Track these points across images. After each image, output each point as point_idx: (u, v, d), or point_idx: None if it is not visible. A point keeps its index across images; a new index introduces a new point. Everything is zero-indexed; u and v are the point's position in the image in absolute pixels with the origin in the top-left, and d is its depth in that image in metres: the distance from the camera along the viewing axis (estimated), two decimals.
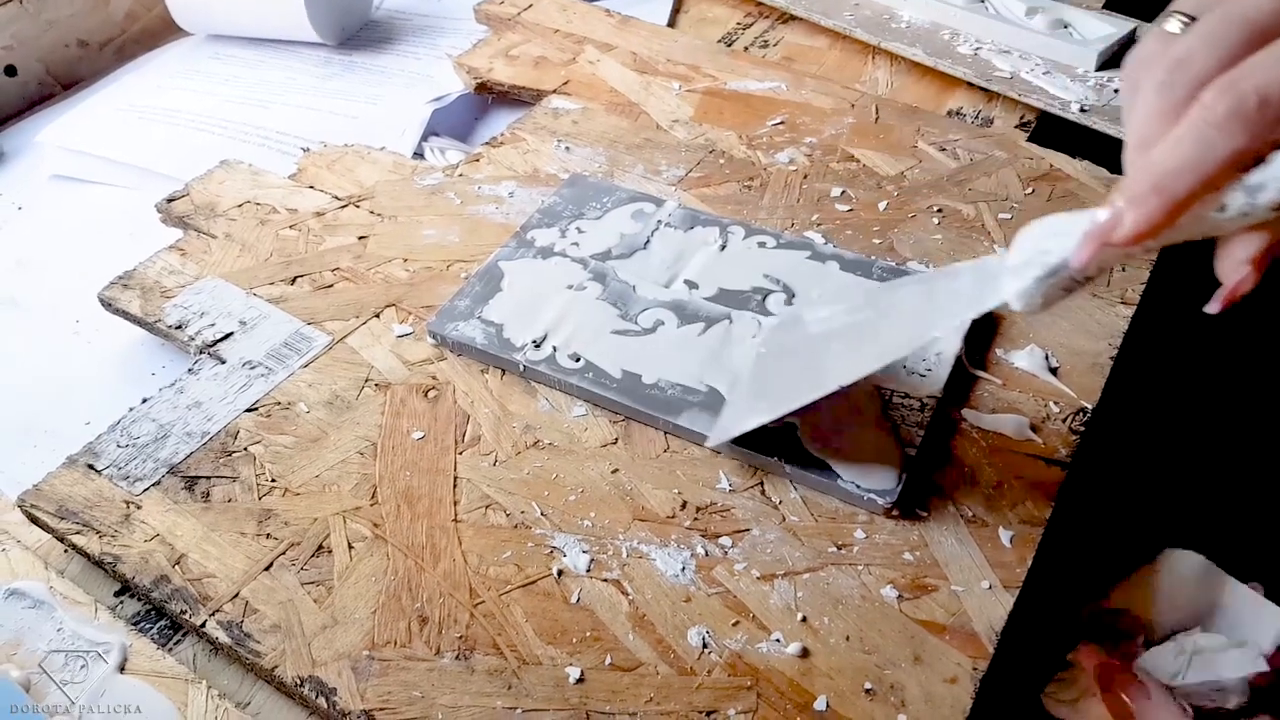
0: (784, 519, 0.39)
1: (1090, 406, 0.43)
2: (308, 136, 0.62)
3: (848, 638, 0.35)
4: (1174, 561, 0.39)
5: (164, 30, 0.76)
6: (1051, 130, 0.59)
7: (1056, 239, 0.30)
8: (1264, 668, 0.36)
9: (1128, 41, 0.63)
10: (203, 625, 0.36)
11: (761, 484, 0.40)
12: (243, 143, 0.63)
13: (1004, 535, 0.38)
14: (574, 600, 0.36)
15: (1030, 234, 0.31)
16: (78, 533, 0.39)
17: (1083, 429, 0.42)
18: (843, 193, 0.54)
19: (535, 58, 0.67)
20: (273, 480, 0.40)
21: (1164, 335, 0.48)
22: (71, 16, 0.72)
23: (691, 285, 0.47)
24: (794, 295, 0.46)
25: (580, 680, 0.34)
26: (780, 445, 0.40)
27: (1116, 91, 0.59)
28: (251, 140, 0.63)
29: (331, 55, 0.71)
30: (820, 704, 0.33)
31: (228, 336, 0.46)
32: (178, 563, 0.38)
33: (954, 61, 0.63)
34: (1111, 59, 0.62)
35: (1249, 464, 0.46)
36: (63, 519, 0.39)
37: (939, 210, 0.53)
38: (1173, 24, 0.29)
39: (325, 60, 0.71)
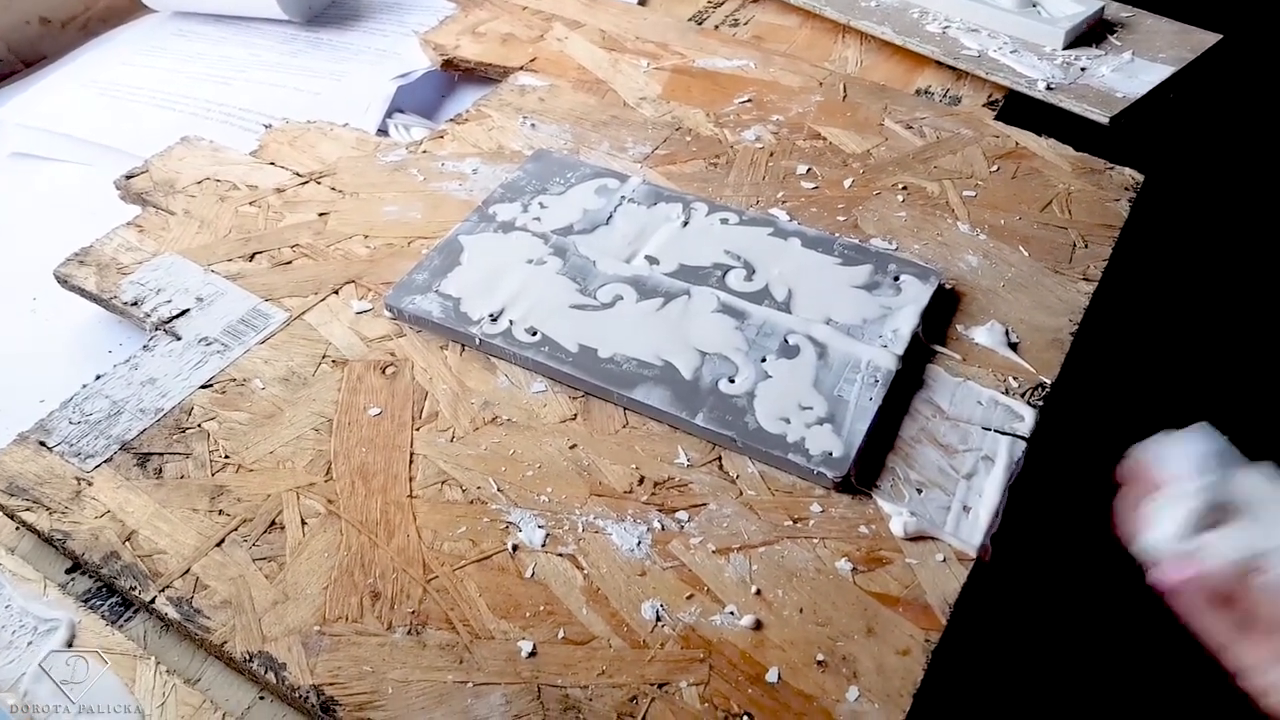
0: (741, 493, 0.39)
1: (1049, 382, 0.43)
2: (271, 113, 0.61)
3: (801, 610, 0.35)
4: None
5: (128, 7, 0.75)
6: (1019, 108, 0.59)
7: None
8: None
9: (1095, 20, 0.63)
10: (152, 601, 0.35)
11: (719, 459, 0.40)
12: (205, 120, 0.62)
13: None
14: (528, 575, 0.36)
15: None
16: (28, 509, 0.38)
17: (1041, 404, 0.42)
18: (808, 170, 0.54)
19: (503, 35, 0.66)
20: (226, 457, 0.40)
21: (1125, 312, 0.48)
22: None
23: (652, 261, 0.47)
24: (754, 271, 0.46)
25: (532, 654, 0.34)
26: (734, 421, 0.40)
27: (1084, 70, 0.59)
28: (214, 117, 0.62)
29: (297, 32, 0.70)
30: (772, 675, 0.33)
31: (184, 313, 0.46)
32: (128, 539, 0.37)
33: (922, 40, 0.63)
34: (1079, 38, 0.62)
35: None
36: (13, 495, 0.39)
37: (904, 188, 0.53)
38: None
39: (291, 37, 0.70)
